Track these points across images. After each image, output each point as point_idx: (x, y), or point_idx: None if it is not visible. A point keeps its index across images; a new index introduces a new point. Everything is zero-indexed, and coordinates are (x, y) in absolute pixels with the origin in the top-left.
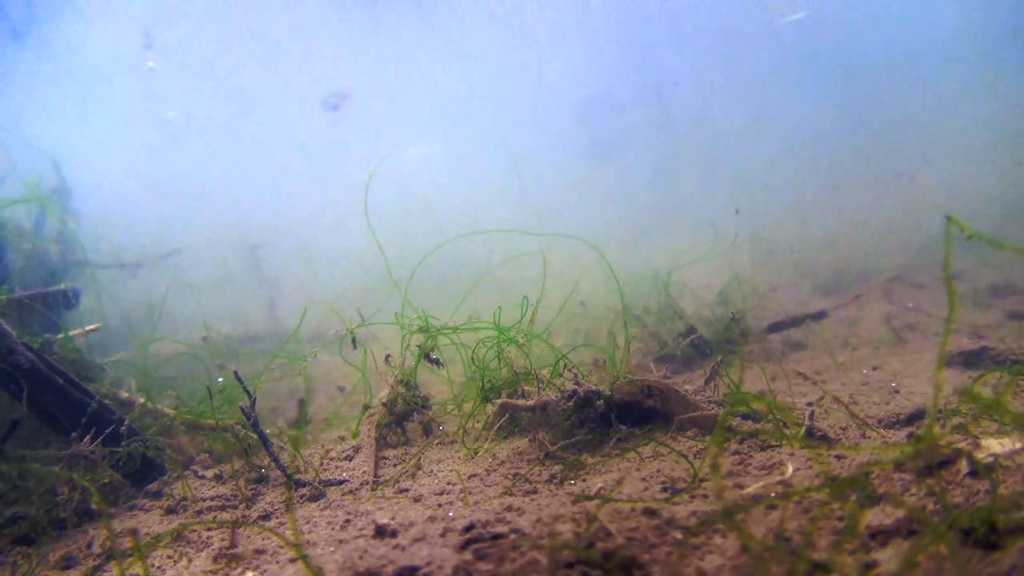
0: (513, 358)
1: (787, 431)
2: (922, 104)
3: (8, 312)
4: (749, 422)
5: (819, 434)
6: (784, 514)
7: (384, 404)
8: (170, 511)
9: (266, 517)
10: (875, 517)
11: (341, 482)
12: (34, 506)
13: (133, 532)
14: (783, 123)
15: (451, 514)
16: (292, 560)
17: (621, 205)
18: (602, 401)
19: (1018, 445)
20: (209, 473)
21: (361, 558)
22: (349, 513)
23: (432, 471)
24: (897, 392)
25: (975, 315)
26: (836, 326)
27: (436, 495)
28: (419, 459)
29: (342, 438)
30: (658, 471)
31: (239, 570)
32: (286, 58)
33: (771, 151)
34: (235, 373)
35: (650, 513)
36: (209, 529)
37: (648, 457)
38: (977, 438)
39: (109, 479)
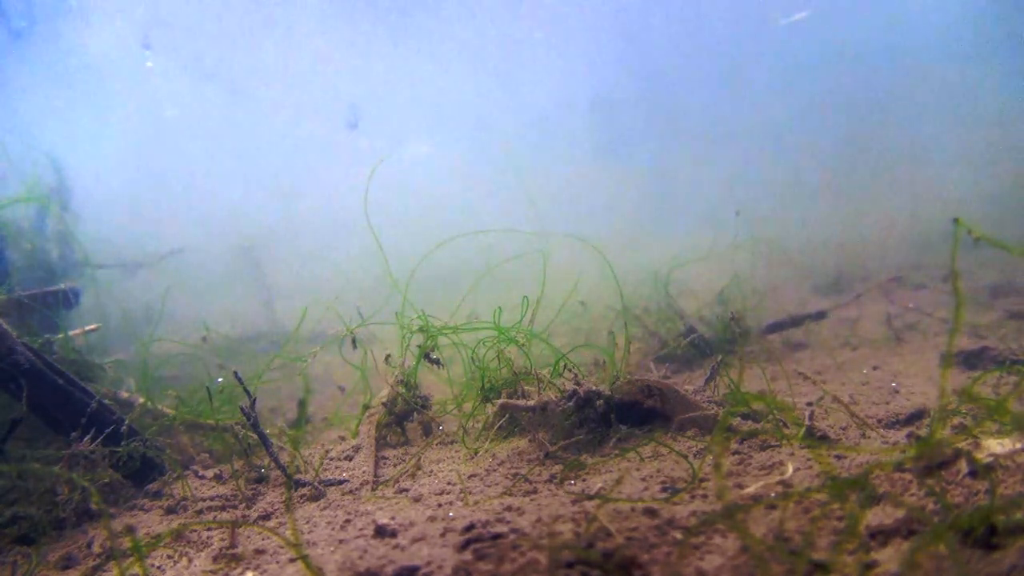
0: (513, 358)
1: (787, 431)
2: (923, 103)
3: (8, 312)
4: (749, 422)
5: (819, 434)
6: (784, 514)
7: (384, 404)
8: (170, 511)
9: (266, 517)
10: (875, 517)
11: (341, 482)
12: (34, 506)
13: (130, 530)
14: (784, 123)
15: (451, 514)
16: (292, 560)
17: (621, 205)
18: (602, 401)
19: (1018, 445)
20: (209, 473)
21: (361, 558)
22: (349, 513)
23: (432, 471)
24: (897, 392)
25: (975, 315)
26: (836, 326)
27: (436, 495)
28: (419, 459)
29: (342, 438)
30: (658, 471)
31: (239, 570)
32: (287, 58)
33: (772, 151)
34: (235, 373)
35: (650, 513)
36: (209, 529)
37: (648, 457)
38: (977, 438)
39: (109, 479)
